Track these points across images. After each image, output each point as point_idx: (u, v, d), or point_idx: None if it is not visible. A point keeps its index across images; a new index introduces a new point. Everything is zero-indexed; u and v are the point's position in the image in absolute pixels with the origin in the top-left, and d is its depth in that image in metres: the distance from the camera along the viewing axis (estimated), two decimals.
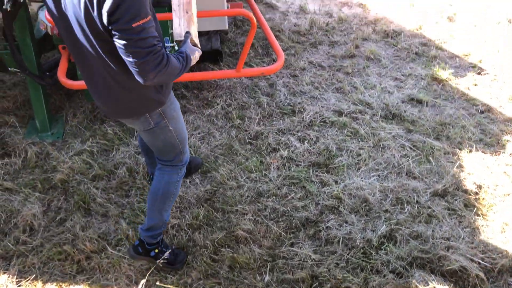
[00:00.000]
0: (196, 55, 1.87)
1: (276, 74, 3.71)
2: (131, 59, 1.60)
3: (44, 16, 2.89)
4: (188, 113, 3.34)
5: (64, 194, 2.76)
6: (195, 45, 1.94)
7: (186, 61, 1.78)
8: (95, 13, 1.57)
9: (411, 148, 3.05)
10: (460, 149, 3.06)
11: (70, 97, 3.52)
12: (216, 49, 3.67)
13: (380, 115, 3.33)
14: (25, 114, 3.36)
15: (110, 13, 1.53)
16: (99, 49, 1.69)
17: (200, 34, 2.77)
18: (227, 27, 3.57)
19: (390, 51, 4.12)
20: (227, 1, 3.47)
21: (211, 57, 3.72)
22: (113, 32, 1.57)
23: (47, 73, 3.18)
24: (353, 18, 4.60)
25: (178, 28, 1.95)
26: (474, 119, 3.33)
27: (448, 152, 3.03)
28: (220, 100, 3.45)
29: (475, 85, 3.69)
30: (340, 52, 4.05)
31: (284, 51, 3.95)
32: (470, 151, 3.05)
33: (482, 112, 3.42)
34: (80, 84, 2.86)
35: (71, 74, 3.02)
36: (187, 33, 1.92)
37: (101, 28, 1.60)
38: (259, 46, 4.08)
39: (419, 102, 3.49)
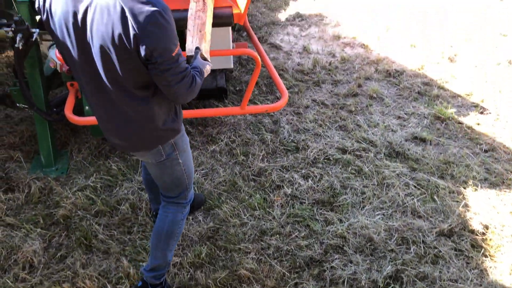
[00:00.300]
0: (207, 68, 1.97)
1: (280, 111, 3.75)
2: (169, 85, 1.68)
3: (54, 54, 2.96)
4: (192, 149, 3.35)
5: (66, 230, 2.73)
6: (205, 59, 2.06)
7: (202, 75, 1.89)
8: (132, 47, 1.57)
9: (415, 187, 3.03)
10: (465, 188, 3.04)
11: (75, 132, 3.56)
12: (221, 87, 3.73)
13: (384, 153, 3.34)
14: (31, 149, 3.39)
15: (151, 48, 1.56)
16: (123, 81, 1.69)
17: None
18: (232, 66, 3.64)
19: (393, 90, 4.17)
20: (232, 41, 3.56)
21: (216, 94, 3.78)
22: (152, 65, 1.62)
23: (55, 109, 3.23)
24: (355, 58, 4.69)
25: (191, 45, 2.11)
26: (478, 158, 3.32)
27: (453, 191, 3.01)
28: (224, 137, 3.47)
29: (478, 124, 3.71)
30: (343, 91, 4.10)
31: (287, 89, 4.01)
32: (475, 190, 3.03)
33: (486, 151, 3.42)
34: (86, 120, 2.91)
35: (78, 110, 3.06)
36: (197, 48, 2.05)
37: (137, 61, 1.62)
38: (263, 84, 4.14)
39: (423, 140, 3.50)
